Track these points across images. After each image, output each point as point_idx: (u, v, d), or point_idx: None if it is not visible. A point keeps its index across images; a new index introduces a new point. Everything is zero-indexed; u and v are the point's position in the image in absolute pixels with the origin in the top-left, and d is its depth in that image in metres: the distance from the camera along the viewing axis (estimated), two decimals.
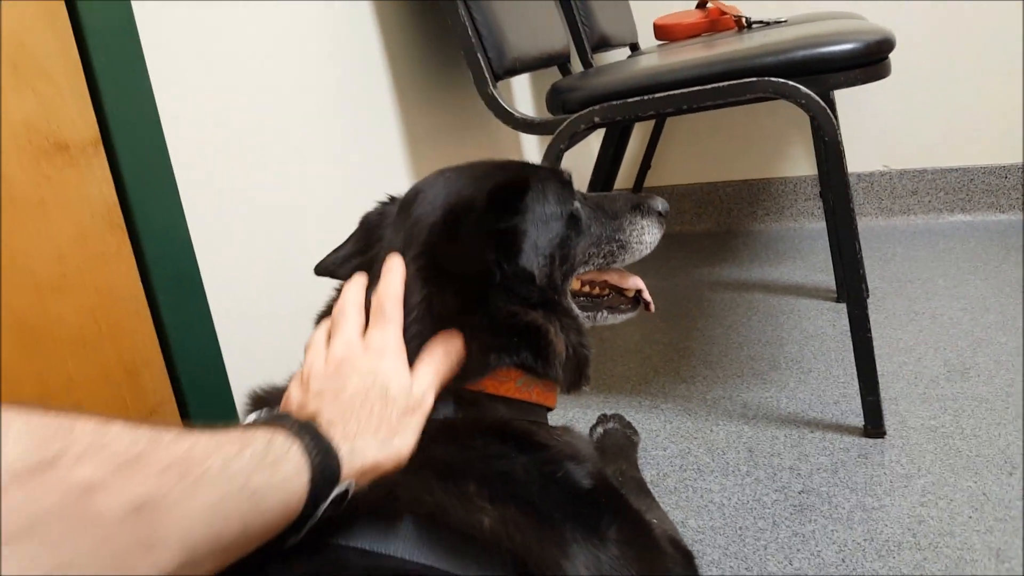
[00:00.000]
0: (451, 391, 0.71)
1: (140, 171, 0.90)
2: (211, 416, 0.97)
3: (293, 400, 0.69)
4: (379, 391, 0.65)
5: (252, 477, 0.47)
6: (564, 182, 0.86)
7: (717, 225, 2.79)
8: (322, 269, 0.88)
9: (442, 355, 0.71)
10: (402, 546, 0.57)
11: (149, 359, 0.90)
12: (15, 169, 0.77)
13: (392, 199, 0.87)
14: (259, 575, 0.52)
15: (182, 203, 0.96)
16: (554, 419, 0.80)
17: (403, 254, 0.76)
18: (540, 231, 0.80)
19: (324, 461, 0.54)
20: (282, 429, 0.54)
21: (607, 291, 0.94)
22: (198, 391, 0.95)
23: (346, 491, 0.56)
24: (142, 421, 0.45)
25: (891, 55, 1.30)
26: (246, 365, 1.04)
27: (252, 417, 0.57)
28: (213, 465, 0.45)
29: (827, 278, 2.07)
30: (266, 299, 1.11)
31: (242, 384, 1.02)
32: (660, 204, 0.94)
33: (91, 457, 0.40)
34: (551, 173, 0.86)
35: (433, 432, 0.67)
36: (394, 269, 0.74)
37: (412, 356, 0.71)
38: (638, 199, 0.94)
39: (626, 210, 0.92)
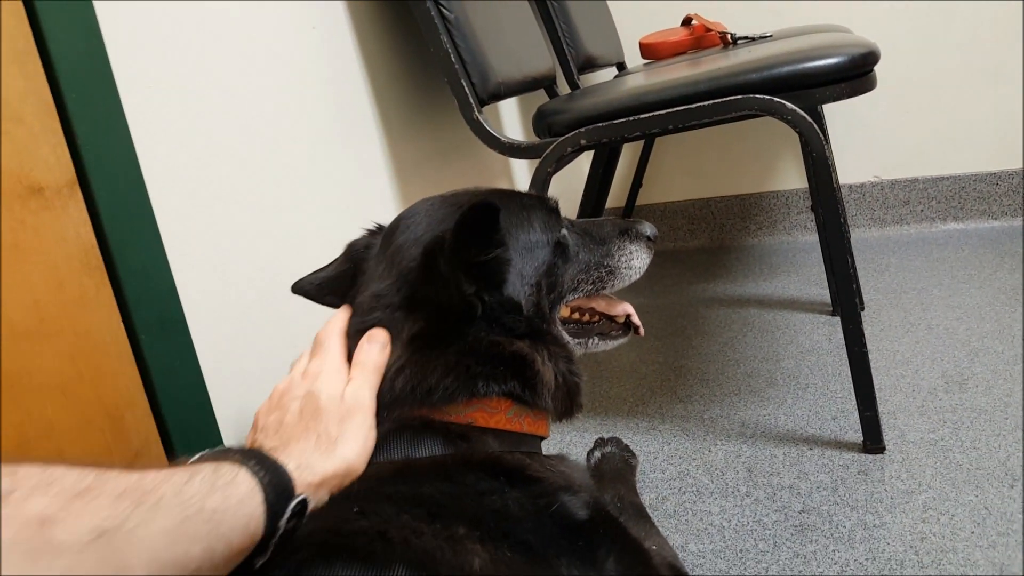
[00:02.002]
0: (439, 426, 0.70)
1: (118, 211, 0.89)
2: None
3: (247, 443, 0.71)
4: (311, 409, 0.68)
5: (206, 500, 0.48)
6: (551, 209, 0.85)
7: (710, 241, 2.78)
8: (299, 288, 0.88)
9: (366, 350, 0.72)
10: None
11: (132, 402, 0.89)
12: None
13: (379, 228, 0.87)
14: None
15: (163, 241, 0.94)
16: (551, 442, 0.79)
17: (383, 282, 0.76)
18: (525, 260, 0.79)
19: (274, 479, 0.55)
20: (226, 459, 0.55)
21: (597, 317, 0.93)
22: (185, 432, 0.94)
23: (304, 504, 0.57)
24: (85, 464, 0.46)
25: (879, 65, 1.30)
26: (234, 403, 1.03)
27: (195, 457, 0.57)
28: (166, 492, 0.46)
29: (822, 291, 2.06)
30: (253, 334, 1.10)
31: (230, 423, 1.01)
32: (648, 229, 0.93)
33: (41, 493, 0.41)
34: (537, 200, 0.86)
35: (423, 470, 0.66)
36: (338, 313, 0.78)
37: (390, 385, 0.71)
38: (626, 224, 0.93)
39: (614, 235, 0.91)
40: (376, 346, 0.73)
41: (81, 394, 0.83)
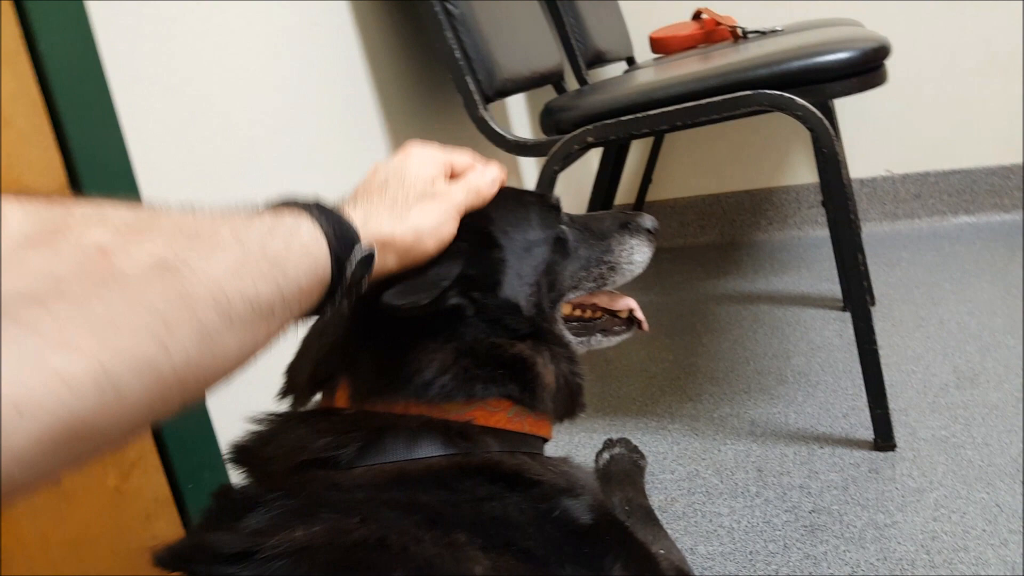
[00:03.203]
0: (438, 425, 0.69)
1: None
2: (196, 468, 0.95)
3: None
4: (397, 178, 0.66)
5: (267, 244, 0.47)
6: (549, 206, 0.84)
7: (720, 237, 2.77)
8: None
9: (480, 172, 0.72)
10: None
11: None
12: None
13: None
14: None
15: None
16: (560, 442, 0.79)
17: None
18: (523, 260, 0.78)
19: (337, 228, 0.54)
20: (286, 209, 0.54)
21: (599, 313, 0.92)
22: (182, 443, 0.93)
23: (371, 255, 0.57)
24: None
25: (890, 58, 1.29)
26: (231, 413, 1.02)
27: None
28: (223, 233, 0.45)
29: (833, 287, 2.04)
30: None
31: (228, 431, 1.01)
32: (648, 221, 0.92)
33: (97, 225, 0.40)
34: (535, 197, 0.85)
35: (419, 476, 0.65)
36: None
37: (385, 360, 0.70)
38: (625, 217, 0.92)
39: (614, 230, 0.90)
40: (490, 175, 0.72)
41: None
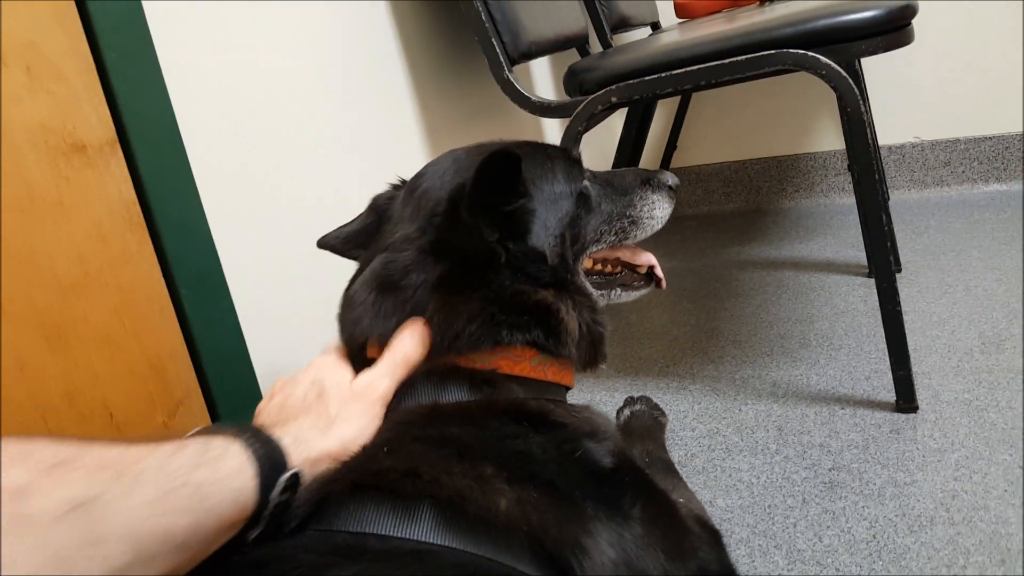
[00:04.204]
0: (464, 372, 0.71)
1: (158, 169, 0.91)
2: (238, 407, 0.99)
3: None
4: (315, 392, 0.68)
5: (193, 474, 0.48)
6: (573, 160, 0.86)
7: (746, 204, 2.75)
8: (324, 243, 0.90)
9: (402, 340, 0.71)
10: (420, 530, 0.57)
11: (174, 353, 0.92)
12: (33, 171, 0.78)
13: (403, 182, 0.88)
14: (273, 560, 0.53)
15: (201, 199, 0.97)
16: (580, 400, 0.80)
17: (407, 228, 0.77)
18: (550, 211, 0.79)
19: (268, 452, 0.55)
20: (218, 434, 0.54)
21: (620, 268, 0.93)
22: (224, 383, 0.97)
23: (296, 477, 0.57)
24: (68, 438, 0.46)
25: (918, 19, 1.27)
26: (271, 354, 1.06)
27: (190, 433, 0.59)
28: (149, 465, 0.46)
29: (858, 253, 2.03)
30: (288, 289, 1.12)
31: (267, 372, 1.04)
32: (670, 178, 0.93)
33: (19, 464, 0.41)
34: (559, 151, 0.86)
35: (448, 414, 0.67)
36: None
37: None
38: (647, 174, 0.93)
39: (636, 185, 0.91)
40: (414, 340, 0.71)
41: (125, 345, 0.86)
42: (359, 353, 0.75)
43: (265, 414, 0.70)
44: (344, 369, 0.71)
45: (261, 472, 0.53)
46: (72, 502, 0.41)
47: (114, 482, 0.43)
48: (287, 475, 0.56)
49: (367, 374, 0.69)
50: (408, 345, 0.71)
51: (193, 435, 0.56)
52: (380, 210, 0.87)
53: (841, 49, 1.22)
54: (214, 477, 0.49)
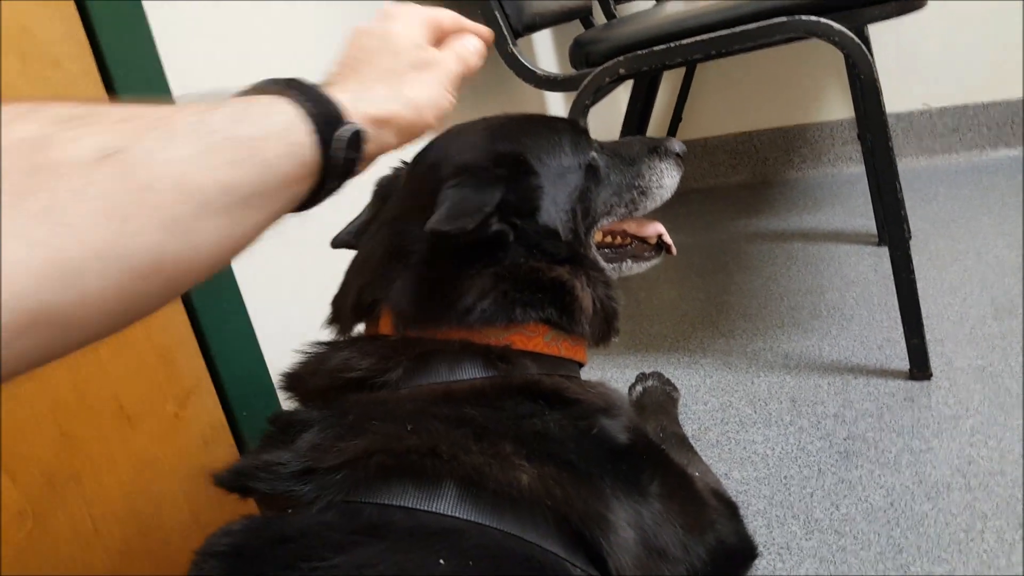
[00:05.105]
0: (479, 349, 0.71)
1: None
2: (249, 396, 0.98)
3: None
4: (385, 47, 0.61)
5: (236, 128, 0.44)
6: (580, 131, 0.85)
7: (752, 176, 2.73)
8: (338, 242, 0.89)
9: (468, 39, 0.68)
10: (444, 505, 0.57)
11: (183, 343, 0.92)
12: None
13: (405, 164, 0.88)
14: (301, 536, 0.53)
15: None
16: (591, 377, 0.80)
17: (411, 208, 0.76)
18: (558, 186, 0.79)
19: (321, 108, 0.49)
20: (258, 94, 0.49)
21: (629, 240, 0.92)
22: (235, 371, 0.96)
23: (358, 135, 0.52)
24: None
25: None
26: (281, 342, 1.05)
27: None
28: (182, 119, 0.42)
29: (867, 222, 2.02)
30: (296, 276, 1.12)
31: (278, 360, 1.03)
32: (676, 145, 0.92)
33: (28, 119, 0.36)
34: (565, 123, 0.85)
35: (464, 394, 0.67)
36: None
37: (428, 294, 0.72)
38: (654, 142, 0.92)
39: (643, 155, 0.90)
40: (473, 46, 0.68)
41: (133, 336, 0.86)
42: (363, 312, 0.75)
43: (331, 72, 0.62)
44: (425, 32, 0.64)
45: (318, 128, 0.48)
46: (102, 150, 0.36)
47: (144, 133, 0.39)
48: (348, 130, 0.50)
49: (438, 50, 0.64)
50: (470, 51, 0.67)
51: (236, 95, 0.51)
52: (385, 194, 0.86)
53: (853, 15, 1.21)
54: (262, 132, 0.45)
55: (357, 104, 0.53)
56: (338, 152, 0.50)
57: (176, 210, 0.38)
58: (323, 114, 0.49)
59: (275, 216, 0.47)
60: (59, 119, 0.37)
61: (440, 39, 0.67)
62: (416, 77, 0.60)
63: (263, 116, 0.46)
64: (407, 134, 0.59)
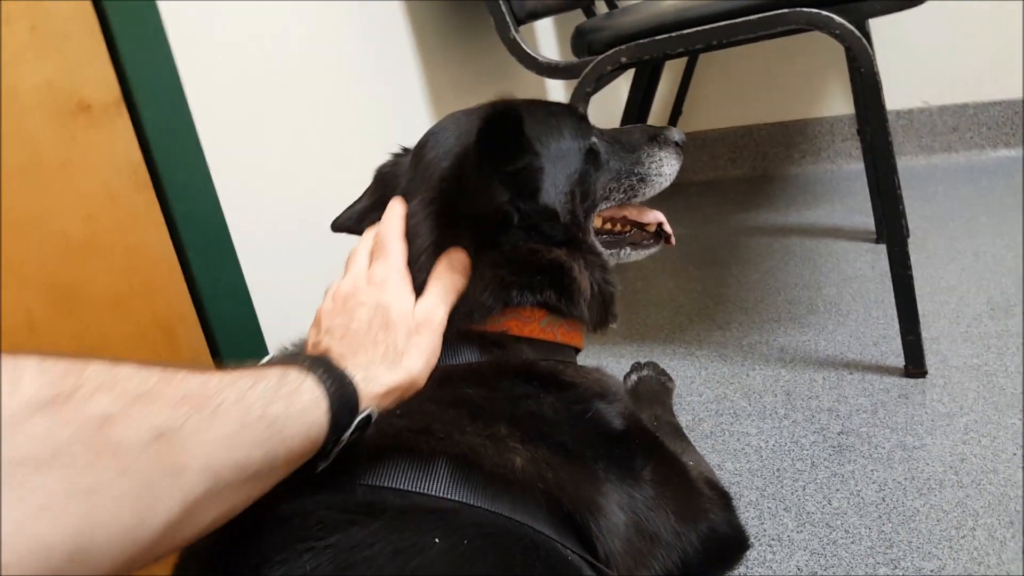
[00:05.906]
0: (475, 336, 0.71)
1: (163, 130, 0.90)
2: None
3: (310, 342, 0.70)
4: (381, 320, 0.67)
5: (269, 407, 0.48)
6: (580, 116, 0.84)
7: (752, 170, 2.73)
8: (339, 226, 0.88)
9: (446, 269, 0.71)
10: (437, 483, 0.57)
11: (183, 315, 0.92)
12: (41, 130, 0.77)
13: (405, 150, 0.87)
14: (295, 516, 0.53)
15: (207, 161, 0.96)
16: (586, 364, 0.80)
17: (416, 197, 0.76)
18: (558, 168, 0.78)
19: (340, 389, 0.55)
20: (294, 365, 0.55)
21: (628, 227, 0.92)
22: (233, 345, 0.97)
23: (369, 416, 0.57)
24: (152, 364, 0.46)
25: None
26: (279, 316, 1.05)
27: (264, 360, 0.58)
28: (228, 397, 0.47)
29: (866, 219, 2.02)
30: (294, 249, 1.12)
31: (276, 336, 1.03)
32: (676, 134, 0.92)
33: (105, 392, 0.41)
34: (564, 108, 0.85)
35: (460, 375, 0.67)
36: (394, 208, 0.75)
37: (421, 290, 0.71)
38: (654, 130, 0.91)
39: (643, 142, 0.90)
40: (458, 272, 0.72)
41: (134, 307, 0.86)
42: None
43: (328, 331, 0.69)
44: (407, 292, 0.70)
45: (332, 409, 0.54)
46: (155, 431, 0.42)
47: (195, 414, 0.44)
48: (361, 416, 0.56)
49: (424, 302, 0.70)
50: (454, 275, 0.71)
51: (267, 363, 0.57)
52: (386, 181, 0.86)
53: (854, 8, 1.20)
54: (289, 411, 0.50)
55: (368, 386, 0.59)
56: (347, 435, 0.55)
57: (197, 490, 0.43)
58: (341, 397, 0.55)
59: (269, 486, 0.50)
60: (129, 396, 0.42)
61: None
62: (413, 343, 0.66)
63: (293, 395, 0.51)
64: (405, 395, 0.64)
